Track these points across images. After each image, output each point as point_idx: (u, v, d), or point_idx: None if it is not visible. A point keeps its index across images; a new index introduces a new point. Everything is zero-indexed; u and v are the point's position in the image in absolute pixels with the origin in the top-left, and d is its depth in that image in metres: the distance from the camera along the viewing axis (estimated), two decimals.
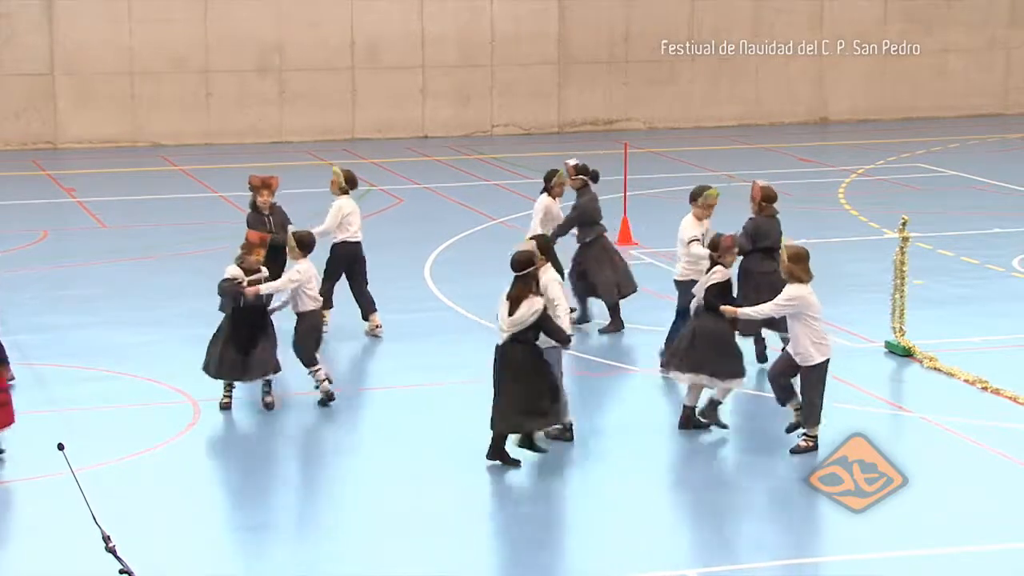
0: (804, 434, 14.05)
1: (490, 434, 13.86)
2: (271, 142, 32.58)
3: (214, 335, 15.26)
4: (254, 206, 17.58)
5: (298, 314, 15.38)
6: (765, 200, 16.50)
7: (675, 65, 34.55)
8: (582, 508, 13.31)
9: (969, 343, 17.48)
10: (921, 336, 17.08)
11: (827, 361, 13.99)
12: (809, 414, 13.99)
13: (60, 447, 8.64)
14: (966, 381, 16.03)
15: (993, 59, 36.30)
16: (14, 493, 13.36)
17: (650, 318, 18.23)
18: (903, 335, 16.98)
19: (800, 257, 14.07)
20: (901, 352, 16.90)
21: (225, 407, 15.20)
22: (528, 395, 13.67)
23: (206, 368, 15.25)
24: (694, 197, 16.47)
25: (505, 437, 13.86)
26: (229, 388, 15.26)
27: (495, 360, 13.78)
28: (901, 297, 16.98)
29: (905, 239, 17.05)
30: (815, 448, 13.96)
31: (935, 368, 16.45)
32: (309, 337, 15.35)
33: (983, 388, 15.81)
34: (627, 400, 15.77)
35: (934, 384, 16.14)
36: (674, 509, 13.27)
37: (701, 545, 12.43)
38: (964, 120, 35.47)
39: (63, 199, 26.95)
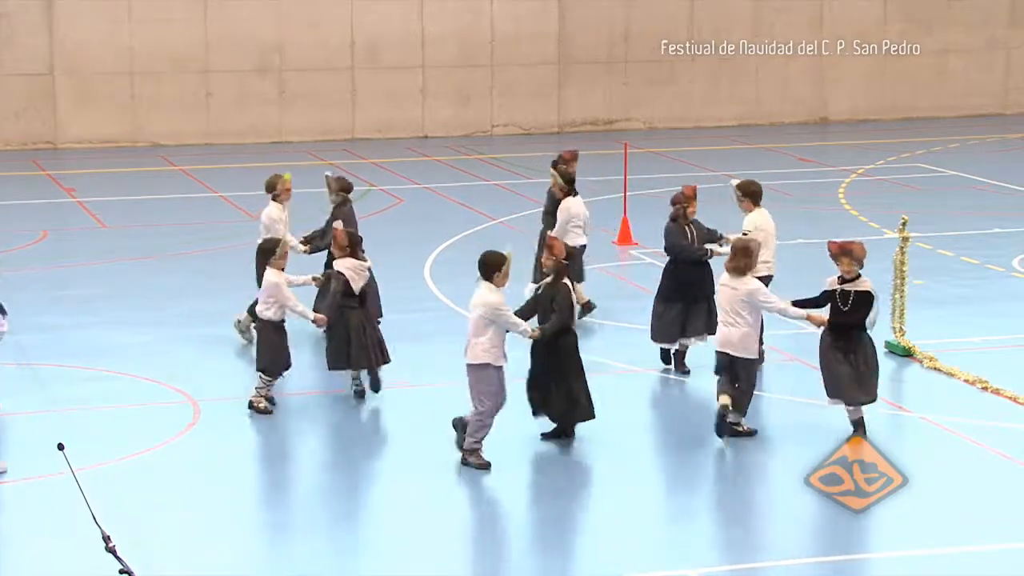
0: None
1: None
2: (271, 142, 32.57)
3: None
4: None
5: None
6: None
7: (675, 65, 34.54)
8: (582, 508, 13.31)
9: (969, 343, 17.48)
10: (921, 336, 17.08)
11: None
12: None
13: (60, 447, 8.64)
14: (966, 381, 16.03)
15: (993, 59, 36.29)
16: (14, 493, 13.36)
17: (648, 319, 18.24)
18: (903, 335, 16.98)
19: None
20: (901, 352, 16.90)
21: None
22: None
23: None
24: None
25: None
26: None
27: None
28: (901, 297, 16.98)
29: (905, 239, 17.05)
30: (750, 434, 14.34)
31: (935, 368, 16.45)
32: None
33: (983, 388, 15.81)
34: (627, 400, 15.75)
35: (934, 384, 16.15)
36: (674, 509, 13.26)
37: (701, 545, 12.43)
38: (964, 120, 35.46)
39: (63, 199, 26.96)
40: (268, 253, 15.43)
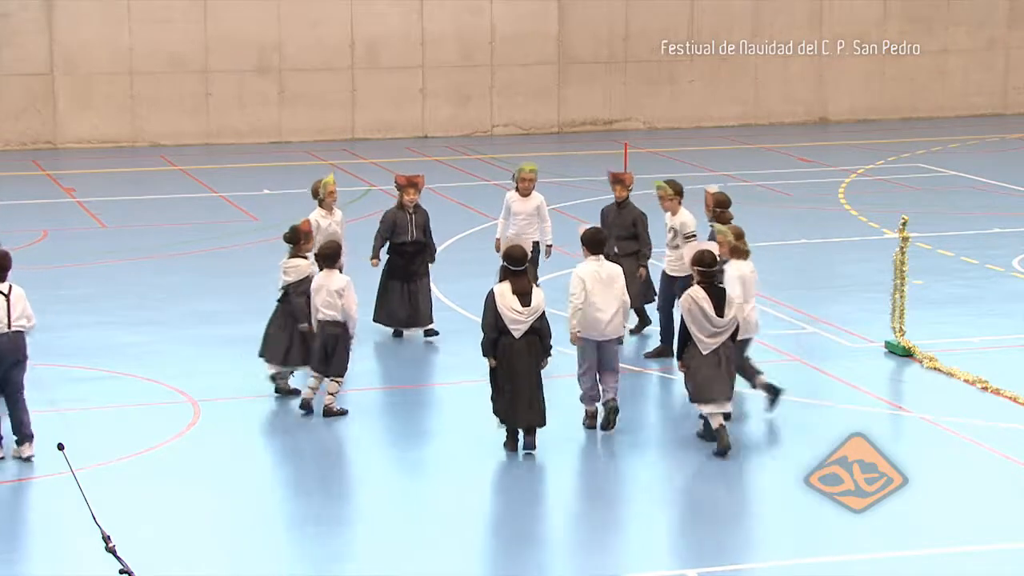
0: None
1: (493, 433, 13.89)
2: (271, 142, 32.57)
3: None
4: (400, 205, 17.67)
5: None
6: (719, 206, 16.38)
7: (675, 65, 34.54)
8: (581, 507, 13.31)
9: (969, 343, 17.48)
10: (921, 336, 17.08)
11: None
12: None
13: (60, 447, 8.64)
14: (966, 381, 16.03)
15: (993, 59, 36.29)
16: (14, 493, 13.35)
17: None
18: (903, 335, 16.98)
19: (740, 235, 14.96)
20: (901, 352, 16.90)
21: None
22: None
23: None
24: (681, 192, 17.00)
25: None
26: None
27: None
28: (901, 297, 16.98)
29: (905, 239, 17.05)
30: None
31: (935, 368, 16.45)
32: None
33: (983, 388, 15.82)
34: (625, 400, 15.74)
35: (934, 384, 16.14)
36: (673, 509, 13.26)
37: (701, 545, 12.43)
38: (964, 120, 35.46)
39: (63, 199, 26.95)
40: (331, 259, 15.27)
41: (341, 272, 15.28)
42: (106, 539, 8.03)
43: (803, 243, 22.81)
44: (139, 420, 15.12)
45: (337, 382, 15.12)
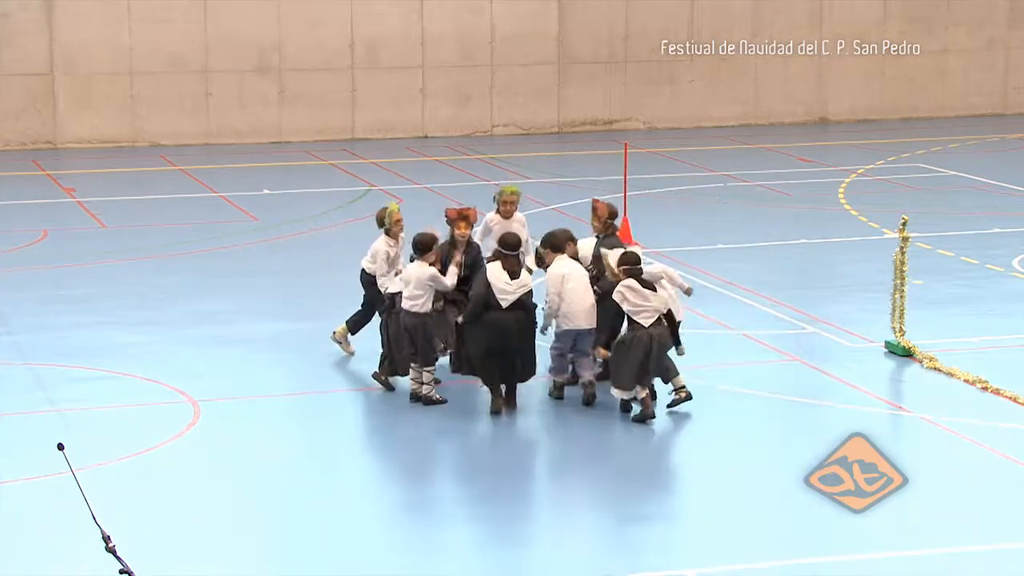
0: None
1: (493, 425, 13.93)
2: (271, 142, 32.57)
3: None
4: (452, 241, 16.36)
5: None
6: (611, 217, 16.14)
7: (674, 65, 34.54)
8: (580, 507, 13.31)
9: (969, 343, 17.47)
10: (921, 336, 17.07)
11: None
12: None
13: (60, 447, 8.64)
14: (966, 381, 16.02)
15: (993, 59, 36.29)
16: (14, 493, 13.35)
17: None
18: (903, 335, 16.97)
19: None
20: (901, 352, 16.89)
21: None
22: None
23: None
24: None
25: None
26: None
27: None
28: (901, 297, 16.98)
29: (905, 239, 17.04)
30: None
31: (935, 368, 16.44)
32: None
33: (983, 388, 15.81)
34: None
35: (934, 384, 16.14)
36: (672, 509, 13.26)
37: (700, 545, 12.43)
38: (964, 120, 35.45)
39: (63, 199, 26.95)
40: (425, 248, 15.35)
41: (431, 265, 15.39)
42: (106, 539, 8.03)
43: (803, 243, 22.80)
44: (139, 420, 15.12)
45: (427, 371, 15.37)
